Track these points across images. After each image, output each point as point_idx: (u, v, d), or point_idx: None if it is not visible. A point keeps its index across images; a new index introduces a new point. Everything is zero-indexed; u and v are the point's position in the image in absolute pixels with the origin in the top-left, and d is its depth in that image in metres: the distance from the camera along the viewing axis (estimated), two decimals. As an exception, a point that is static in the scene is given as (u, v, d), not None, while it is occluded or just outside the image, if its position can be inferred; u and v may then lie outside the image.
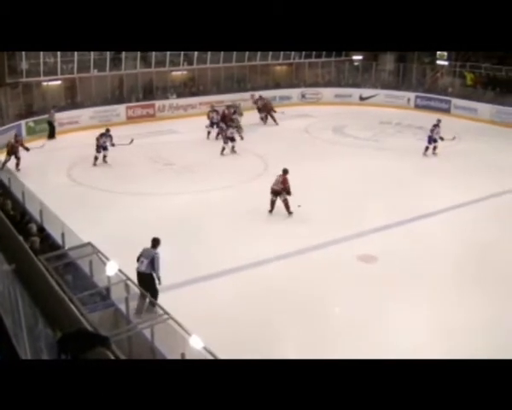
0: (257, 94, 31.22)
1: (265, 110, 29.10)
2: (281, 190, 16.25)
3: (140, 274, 10.70)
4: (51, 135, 25.64)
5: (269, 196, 16.44)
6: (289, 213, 16.28)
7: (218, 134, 25.17)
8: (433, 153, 22.86)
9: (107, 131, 22.20)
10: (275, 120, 28.72)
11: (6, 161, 20.29)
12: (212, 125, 25.83)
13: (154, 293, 10.35)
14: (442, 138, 22.68)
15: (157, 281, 10.76)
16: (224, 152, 22.94)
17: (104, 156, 21.83)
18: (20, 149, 21.24)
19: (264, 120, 29.08)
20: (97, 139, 21.83)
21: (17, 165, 20.79)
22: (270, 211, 16.45)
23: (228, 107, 27.88)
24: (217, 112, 26.54)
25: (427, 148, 22.93)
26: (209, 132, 25.75)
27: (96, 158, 21.60)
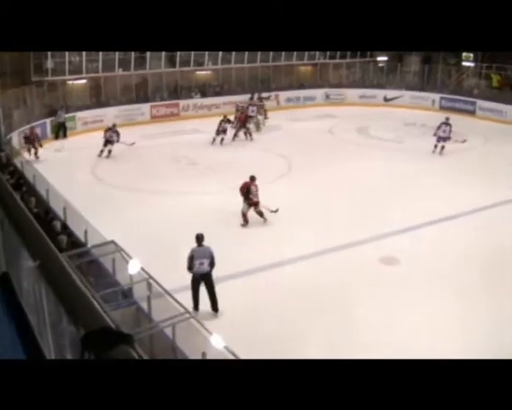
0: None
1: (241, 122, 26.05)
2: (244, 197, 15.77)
3: (205, 275, 11.06)
4: (64, 134, 25.93)
5: (289, 198, 16.92)
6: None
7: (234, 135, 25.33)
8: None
9: (114, 126, 23.27)
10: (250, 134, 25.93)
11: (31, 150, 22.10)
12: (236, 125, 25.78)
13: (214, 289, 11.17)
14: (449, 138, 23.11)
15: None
16: None
17: (109, 151, 22.88)
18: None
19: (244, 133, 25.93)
20: (105, 132, 23.20)
21: (35, 153, 22.12)
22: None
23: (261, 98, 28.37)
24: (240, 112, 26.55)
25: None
26: (235, 135, 25.47)
27: (101, 151, 22.90)
